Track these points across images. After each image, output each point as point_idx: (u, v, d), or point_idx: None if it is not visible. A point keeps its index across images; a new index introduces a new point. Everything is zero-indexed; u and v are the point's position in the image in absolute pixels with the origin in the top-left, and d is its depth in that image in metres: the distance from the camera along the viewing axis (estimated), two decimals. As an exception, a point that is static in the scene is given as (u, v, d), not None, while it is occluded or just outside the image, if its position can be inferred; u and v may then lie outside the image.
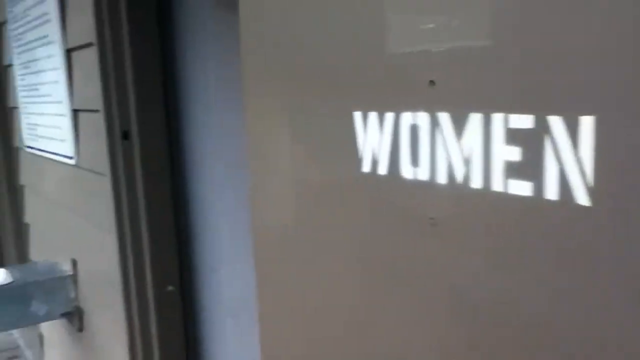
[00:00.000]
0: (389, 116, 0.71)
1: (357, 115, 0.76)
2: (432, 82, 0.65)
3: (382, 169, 0.73)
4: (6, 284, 2.37)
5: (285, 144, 0.90)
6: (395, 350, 0.74)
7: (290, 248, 0.91)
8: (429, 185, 0.67)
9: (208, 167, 2.06)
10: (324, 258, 0.83)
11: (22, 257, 3.68)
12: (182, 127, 1.95)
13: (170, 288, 1.95)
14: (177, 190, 1.95)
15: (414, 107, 0.68)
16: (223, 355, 2.15)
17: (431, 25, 0.65)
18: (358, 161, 0.76)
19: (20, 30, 2.40)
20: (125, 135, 1.78)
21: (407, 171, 0.70)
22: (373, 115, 0.73)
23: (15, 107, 2.75)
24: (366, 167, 0.76)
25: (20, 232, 3.61)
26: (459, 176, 0.64)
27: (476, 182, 0.62)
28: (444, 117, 0.65)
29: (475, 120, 0.61)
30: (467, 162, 0.63)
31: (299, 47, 0.83)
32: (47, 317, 2.44)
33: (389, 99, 0.71)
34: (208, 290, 2.13)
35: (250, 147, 1.00)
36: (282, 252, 0.94)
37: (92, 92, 1.84)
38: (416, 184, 0.69)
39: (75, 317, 2.47)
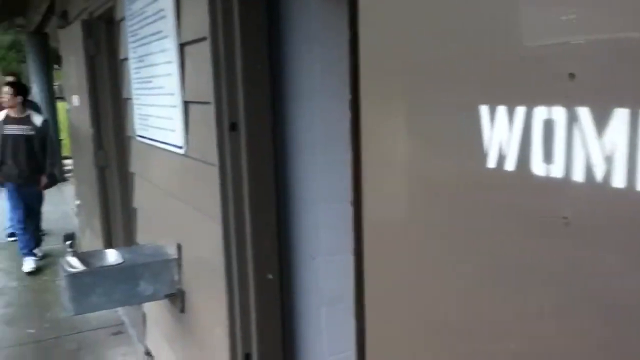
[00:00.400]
0: (520, 110, 0.69)
1: (484, 109, 0.74)
2: (571, 75, 0.63)
3: (510, 165, 0.71)
4: (118, 264, 2.53)
5: (403, 137, 0.90)
6: (527, 355, 0.72)
7: (405, 244, 0.91)
8: (564, 183, 0.65)
9: (309, 159, 2.09)
10: (442, 255, 0.82)
11: (129, 240, 3.93)
12: (286, 118, 2.00)
13: (270, 276, 2.01)
14: (279, 181, 2.00)
15: (549, 101, 0.65)
16: (317, 343, 2.19)
17: (572, 16, 0.62)
18: (483, 156, 0.75)
19: (137, 26, 2.54)
20: (233, 127, 1.85)
21: (538, 168, 0.68)
22: (502, 109, 0.72)
23: (129, 99, 2.93)
24: (492, 163, 0.74)
25: (128, 216, 3.85)
26: (599, 174, 0.61)
27: (618, 181, 0.59)
28: (584, 112, 0.62)
29: (620, 116, 0.58)
30: (608, 159, 0.60)
31: (423, 39, 0.82)
32: (153, 297, 2.58)
33: (522, 92, 0.69)
34: (305, 279, 2.17)
35: (364, 140, 1.01)
36: (396, 247, 0.94)
37: (203, 85, 1.92)
38: (548, 181, 0.66)
39: (177, 299, 2.60)
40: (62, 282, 2.56)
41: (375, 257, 1.04)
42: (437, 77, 0.82)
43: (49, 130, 5.43)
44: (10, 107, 5.09)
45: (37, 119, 5.26)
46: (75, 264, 2.53)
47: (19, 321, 3.55)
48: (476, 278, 0.77)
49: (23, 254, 5.24)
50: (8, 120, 5.09)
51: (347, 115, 2.13)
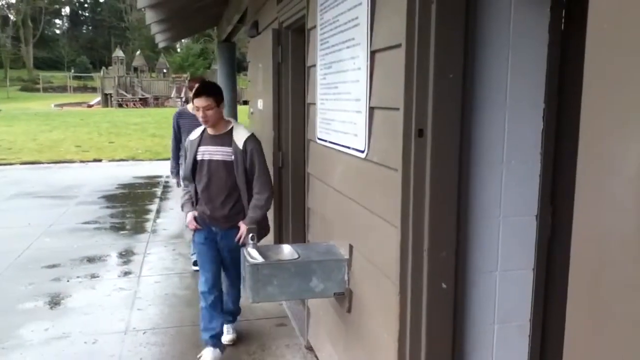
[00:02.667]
0: None
1: None
2: None
3: None
4: (294, 259, 2.68)
5: (635, 148, 0.84)
6: None
7: (633, 267, 0.84)
8: None
9: (494, 169, 2.04)
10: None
11: (297, 237, 4.13)
12: (474, 127, 1.97)
13: (444, 285, 1.98)
14: (461, 190, 1.97)
15: None
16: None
17: None
18: None
19: (327, 34, 2.67)
20: (420, 133, 1.86)
21: None
22: None
23: (313, 103, 3.09)
24: None
25: (299, 215, 4.05)
26: None
27: None
28: None
29: None
30: None
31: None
32: (323, 294, 2.69)
33: None
34: (478, 292, 2.11)
35: (582, 150, 0.95)
36: (618, 268, 0.87)
37: (392, 91, 1.96)
38: None
39: (345, 299, 2.67)
40: (243, 272, 2.77)
41: (585, 277, 0.98)
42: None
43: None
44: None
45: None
46: (255, 255, 2.72)
47: (197, 303, 3.90)
48: None
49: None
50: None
51: (537, 125, 2.05)
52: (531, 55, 1.99)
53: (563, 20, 2.00)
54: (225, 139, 3.40)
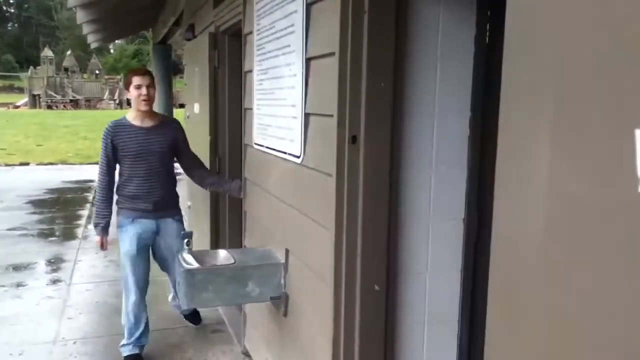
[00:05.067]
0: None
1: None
2: None
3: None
4: (230, 264, 2.67)
5: (547, 155, 0.90)
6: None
7: (544, 267, 0.91)
8: None
9: (423, 175, 2.11)
10: (590, 283, 0.81)
11: (234, 242, 4.11)
12: (404, 133, 2.04)
13: (377, 287, 2.04)
14: (392, 194, 2.03)
15: None
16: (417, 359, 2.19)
17: None
18: (635, 182, 0.74)
19: (264, 40, 2.69)
20: (354, 140, 1.91)
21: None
22: (661, 134, 0.71)
23: (249, 109, 3.09)
24: (645, 187, 0.73)
25: (235, 219, 4.04)
26: None
27: None
28: None
29: None
30: None
31: (577, 53, 0.83)
32: (259, 299, 2.70)
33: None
34: (410, 294, 2.18)
35: (500, 157, 1.02)
36: (531, 268, 0.94)
37: (327, 98, 2.00)
38: None
39: (282, 303, 2.69)
40: (177, 277, 2.74)
41: (502, 276, 1.04)
42: (593, 95, 0.82)
43: None
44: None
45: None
46: (190, 261, 2.70)
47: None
48: (630, 312, 0.76)
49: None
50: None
51: (464, 132, 2.14)
52: (458, 66, 2.08)
53: (488, 34, 2.11)
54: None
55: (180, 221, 3.63)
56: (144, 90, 3.31)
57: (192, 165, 3.69)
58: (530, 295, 0.96)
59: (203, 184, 3.73)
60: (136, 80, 3.31)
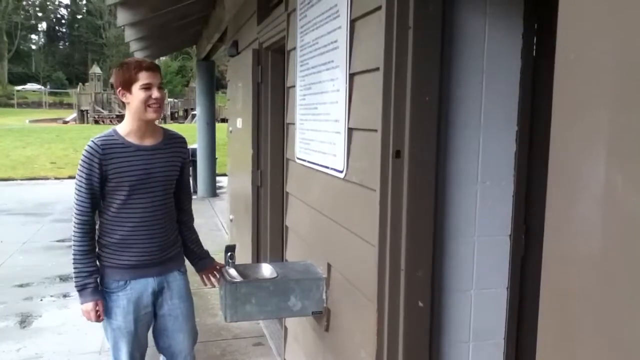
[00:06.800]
0: None
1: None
2: None
3: None
4: (272, 278, 2.69)
5: (600, 170, 0.88)
6: None
7: (601, 288, 0.88)
8: None
9: (468, 190, 2.09)
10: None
11: (275, 255, 4.14)
12: (449, 148, 2.02)
13: (420, 304, 2.01)
14: (437, 209, 2.01)
15: None
16: (463, 381, 2.15)
17: None
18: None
19: (307, 56, 2.72)
20: (398, 154, 1.90)
21: None
22: None
23: (292, 124, 3.12)
24: None
25: (276, 233, 4.06)
26: None
27: None
28: None
29: None
30: None
31: (637, 65, 0.81)
32: (301, 313, 2.70)
33: None
34: (455, 311, 2.14)
35: (552, 171, 1.00)
36: (586, 288, 0.91)
37: (371, 113, 2.00)
38: None
39: (323, 317, 2.69)
40: (220, 290, 2.77)
41: (554, 295, 1.02)
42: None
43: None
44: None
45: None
46: (233, 274, 2.73)
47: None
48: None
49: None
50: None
51: (510, 147, 2.11)
52: (504, 80, 2.06)
53: (534, 47, 2.08)
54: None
55: (186, 274, 2.72)
56: (155, 93, 2.37)
57: (183, 206, 2.73)
58: (583, 317, 0.93)
59: (179, 231, 2.74)
60: (144, 77, 2.34)
